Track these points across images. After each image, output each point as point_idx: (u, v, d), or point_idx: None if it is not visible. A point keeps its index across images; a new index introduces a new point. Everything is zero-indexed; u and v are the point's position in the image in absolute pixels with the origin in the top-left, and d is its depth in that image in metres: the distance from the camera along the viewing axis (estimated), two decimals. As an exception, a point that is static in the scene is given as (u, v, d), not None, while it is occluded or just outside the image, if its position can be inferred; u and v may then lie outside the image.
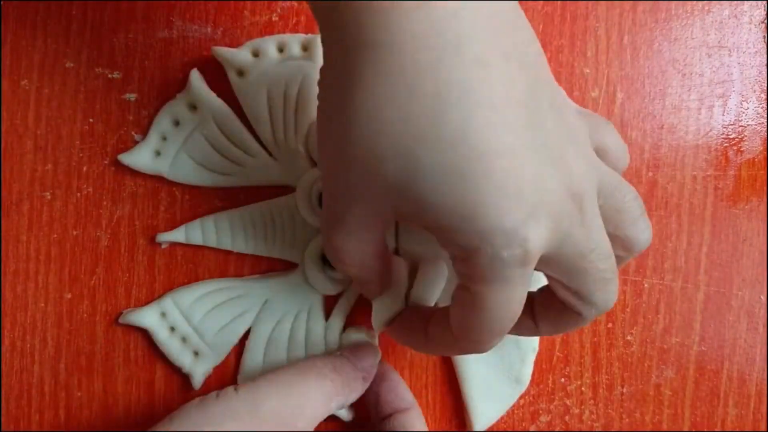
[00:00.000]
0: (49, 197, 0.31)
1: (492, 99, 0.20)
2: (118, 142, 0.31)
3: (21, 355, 0.31)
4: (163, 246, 0.31)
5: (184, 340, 0.31)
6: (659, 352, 0.32)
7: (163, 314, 0.31)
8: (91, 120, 0.31)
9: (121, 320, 0.31)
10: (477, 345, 0.23)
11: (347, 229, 0.23)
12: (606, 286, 0.22)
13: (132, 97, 0.31)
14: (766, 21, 0.33)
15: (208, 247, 0.31)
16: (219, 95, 0.31)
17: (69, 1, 0.31)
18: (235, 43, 0.31)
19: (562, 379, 0.32)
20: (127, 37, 0.31)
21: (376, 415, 0.29)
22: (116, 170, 0.31)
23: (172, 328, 0.31)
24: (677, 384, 0.32)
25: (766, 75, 0.33)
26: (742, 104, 0.33)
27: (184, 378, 0.31)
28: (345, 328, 0.31)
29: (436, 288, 0.29)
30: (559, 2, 0.32)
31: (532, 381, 0.32)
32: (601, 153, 0.24)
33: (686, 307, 0.32)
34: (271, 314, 0.31)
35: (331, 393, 0.26)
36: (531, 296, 0.25)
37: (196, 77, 0.30)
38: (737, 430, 0.32)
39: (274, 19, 0.31)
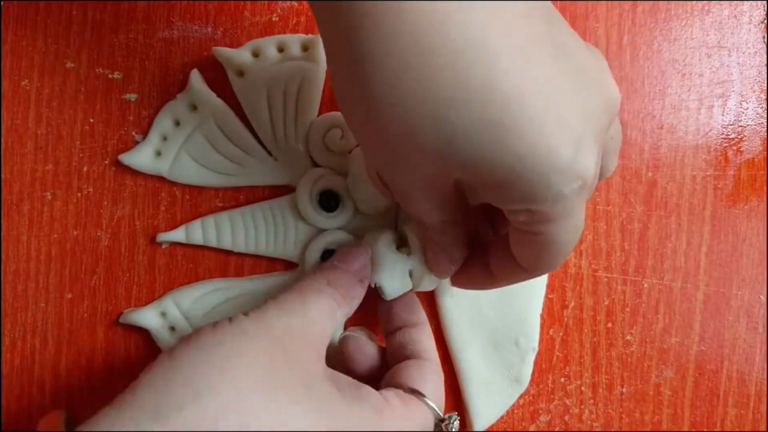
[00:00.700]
0: (49, 197, 0.31)
1: (511, 41, 0.19)
2: (119, 142, 0.31)
3: (21, 355, 0.31)
4: (164, 246, 0.32)
5: (184, 339, 0.31)
6: (659, 351, 0.32)
7: (164, 314, 0.31)
8: (91, 120, 0.31)
9: (121, 320, 0.31)
10: (550, 269, 0.24)
11: (416, 200, 0.23)
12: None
13: (132, 97, 0.31)
14: (765, 21, 0.33)
15: (208, 247, 0.31)
16: (219, 95, 0.31)
17: (69, 1, 0.31)
18: (235, 43, 0.31)
19: (562, 379, 0.32)
20: (127, 37, 0.31)
21: (386, 328, 0.30)
22: (116, 170, 0.31)
23: (173, 328, 0.31)
24: (677, 384, 0.32)
25: (765, 75, 0.33)
26: (741, 104, 0.33)
27: (185, 378, 0.31)
28: (345, 327, 0.31)
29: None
30: (559, 2, 0.32)
31: (531, 381, 0.32)
32: None
33: (686, 307, 0.32)
34: (272, 314, 0.31)
35: (333, 305, 0.26)
36: (485, 247, 0.26)
37: (196, 77, 0.31)
38: (737, 430, 0.32)
39: (274, 19, 0.31)
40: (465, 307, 0.31)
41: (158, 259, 0.31)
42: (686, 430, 0.32)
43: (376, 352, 0.29)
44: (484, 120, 0.19)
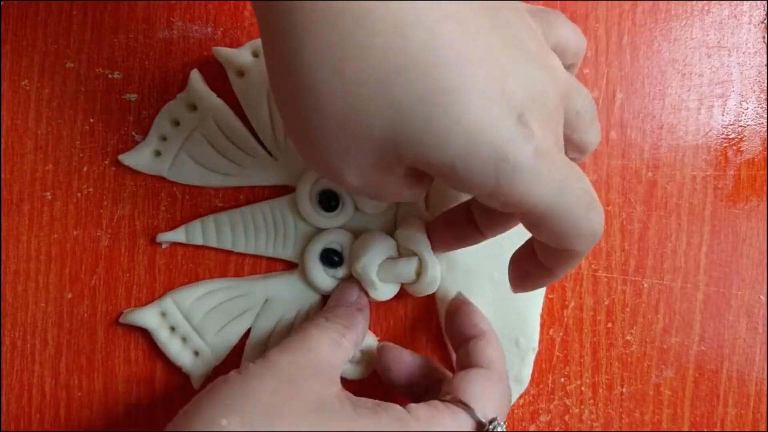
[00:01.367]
0: (49, 197, 0.31)
1: (448, 10, 0.19)
2: (119, 142, 0.31)
3: (21, 355, 0.31)
4: (164, 246, 0.32)
5: (184, 340, 0.31)
6: (659, 351, 0.32)
7: (164, 314, 0.31)
8: (91, 120, 0.31)
9: (121, 320, 0.31)
10: (566, 244, 0.21)
11: (373, 187, 0.22)
12: None
13: (132, 97, 0.31)
14: (765, 21, 0.33)
15: (208, 247, 0.31)
16: (219, 95, 0.31)
17: (69, 1, 0.31)
18: (236, 43, 0.31)
19: (562, 379, 0.32)
20: (127, 37, 0.31)
21: (453, 346, 0.30)
22: (116, 170, 0.31)
23: (173, 328, 0.31)
24: (677, 384, 0.32)
25: (765, 75, 0.33)
26: (741, 104, 0.33)
27: (184, 378, 0.31)
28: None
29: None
30: (558, 2, 0.32)
31: (531, 381, 0.32)
32: (560, 51, 0.23)
33: (686, 307, 0.32)
34: (271, 314, 0.31)
35: (337, 335, 0.26)
36: (469, 207, 0.26)
37: (196, 77, 0.31)
38: (737, 429, 0.32)
39: (274, 19, 0.31)
40: (465, 307, 0.31)
41: (158, 259, 0.31)
42: (686, 430, 0.32)
43: (415, 361, 0.29)
44: (427, 94, 0.18)
